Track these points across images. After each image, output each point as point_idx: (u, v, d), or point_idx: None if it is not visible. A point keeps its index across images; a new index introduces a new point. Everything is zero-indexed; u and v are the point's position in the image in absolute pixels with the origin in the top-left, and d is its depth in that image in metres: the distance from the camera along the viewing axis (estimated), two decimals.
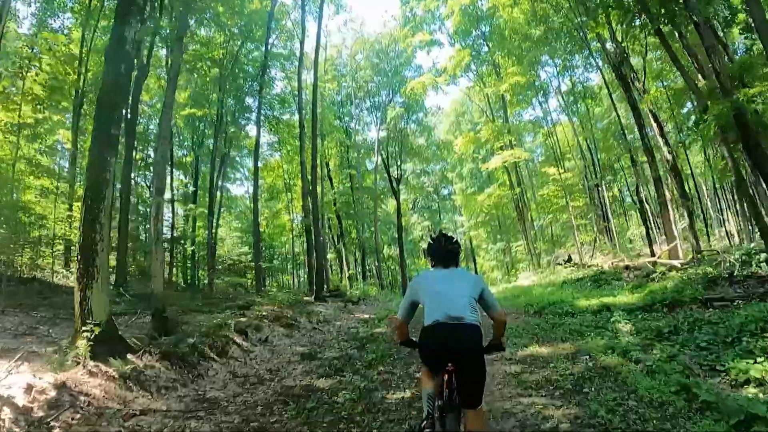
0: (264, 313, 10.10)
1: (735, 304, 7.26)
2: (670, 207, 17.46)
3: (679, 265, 12.21)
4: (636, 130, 19.26)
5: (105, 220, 5.89)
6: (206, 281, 23.05)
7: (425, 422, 2.33)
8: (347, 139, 34.48)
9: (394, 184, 32.92)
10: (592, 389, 4.46)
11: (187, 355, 6.10)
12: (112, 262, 13.24)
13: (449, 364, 2.56)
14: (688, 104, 21.21)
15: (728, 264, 9.77)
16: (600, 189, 24.80)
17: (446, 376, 2.58)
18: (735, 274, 8.89)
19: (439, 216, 46.40)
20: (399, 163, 34.04)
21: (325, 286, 17.96)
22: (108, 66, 6.46)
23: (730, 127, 8.88)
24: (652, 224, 23.58)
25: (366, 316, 13.07)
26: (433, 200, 46.74)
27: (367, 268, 35.84)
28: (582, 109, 27.41)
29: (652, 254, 18.15)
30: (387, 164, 33.76)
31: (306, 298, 14.49)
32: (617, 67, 16.98)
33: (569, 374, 5.04)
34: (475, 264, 44.08)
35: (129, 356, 5.37)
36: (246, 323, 8.75)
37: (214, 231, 23.43)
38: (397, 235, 32.22)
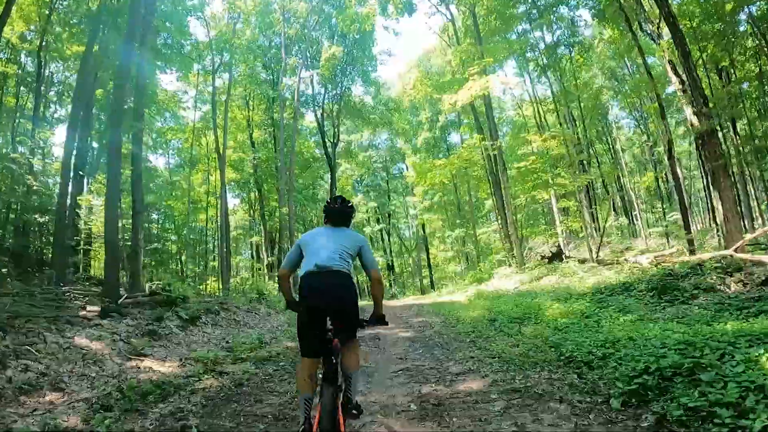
0: None
1: None
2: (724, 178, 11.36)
3: None
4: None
5: None
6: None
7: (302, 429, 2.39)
8: (272, 90, 26.55)
9: (329, 149, 25.48)
10: None
11: None
12: None
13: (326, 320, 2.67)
14: None
15: None
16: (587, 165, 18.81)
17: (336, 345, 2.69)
18: None
19: (389, 197, 39.52)
20: (336, 123, 26.59)
21: (148, 285, 10.39)
22: None
23: None
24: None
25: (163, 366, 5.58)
26: (381, 179, 39.78)
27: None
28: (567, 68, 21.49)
29: (691, 243, 12.15)
30: (321, 124, 26.24)
31: (87, 310, 6.83)
32: None
33: None
34: (428, 255, 37.67)
35: None
36: None
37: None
38: None
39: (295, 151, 22.86)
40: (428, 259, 37.53)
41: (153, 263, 32.20)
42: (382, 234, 39.96)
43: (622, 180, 30.80)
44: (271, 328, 8.35)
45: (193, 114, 28.99)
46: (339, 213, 2.96)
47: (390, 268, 39.94)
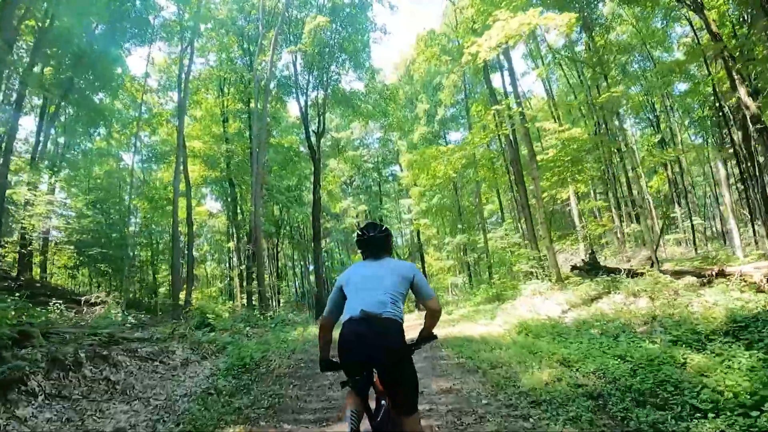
0: None
1: None
2: None
3: None
4: None
5: None
6: None
7: None
8: (247, 71, 23.07)
9: (312, 140, 21.97)
10: None
11: None
12: None
13: (372, 372, 2.32)
14: None
15: None
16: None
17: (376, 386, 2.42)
18: None
19: (380, 201, 36.02)
20: (322, 111, 23.11)
21: None
22: None
23: None
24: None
25: None
26: (373, 180, 36.36)
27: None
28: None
29: None
30: (305, 113, 22.75)
31: None
32: None
33: None
34: (423, 264, 34.12)
35: None
36: None
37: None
38: (311, 215, 21.32)
39: (266, 128, 19.20)
40: (423, 269, 33.93)
41: (110, 270, 28.21)
42: None
43: (632, 182, 27.81)
44: (169, 401, 4.64)
45: (160, 99, 25.54)
46: (375, 242, 2.62)
47: None
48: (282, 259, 41.30)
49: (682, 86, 21.18)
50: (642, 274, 10.52)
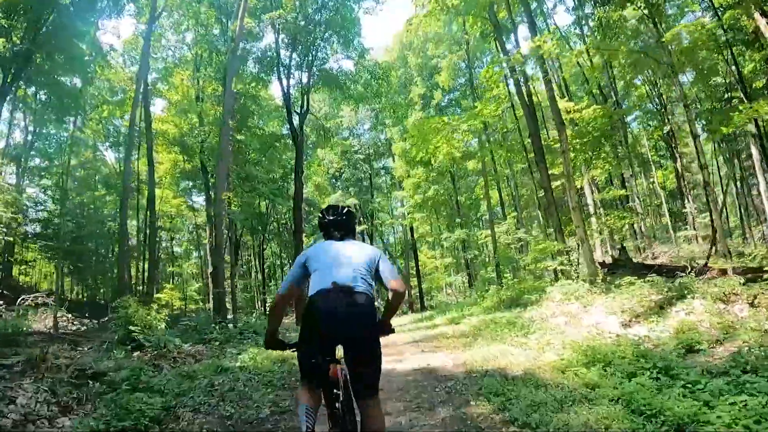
0: None
1: None
2: None
3: None
4: None
5: None
6: None
7: None
8: (222, 44, 20.56)
9: (295, 122, 19.47)
10: None
11: None
12: None
13: (334, 354, 2.17)
14: None
15: None
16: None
17: (337, 374, 2.09)
18: None
19: (372, 195, 33.57)
20: (305, 90, 20.64)
21: None
22: None
23: None
24: None
25: None
26: (363, 172, 33.90)
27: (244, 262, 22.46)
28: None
29: None
30: (286, 93, 20.27)
31: None
32: None
33: None
34: (417, 262, 31.70)
35: None
36: None
37: None
38: (292, 206, 18.84)
39: (236, 96, 16.64)
40: (417, 267, 31.51)
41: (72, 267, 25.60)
42: (363, 237, 33.92)
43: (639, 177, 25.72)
44: None
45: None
46: (338, 224, 2.54)
47: None
48: (271, 257, 38.72)
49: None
50: (704, 272, 8.22)
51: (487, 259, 24.16)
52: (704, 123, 18.58)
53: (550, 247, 10.11)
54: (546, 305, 8.28)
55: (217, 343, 7.67)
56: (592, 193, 17.52)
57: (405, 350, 7.33)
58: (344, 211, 2.60)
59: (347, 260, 2.29)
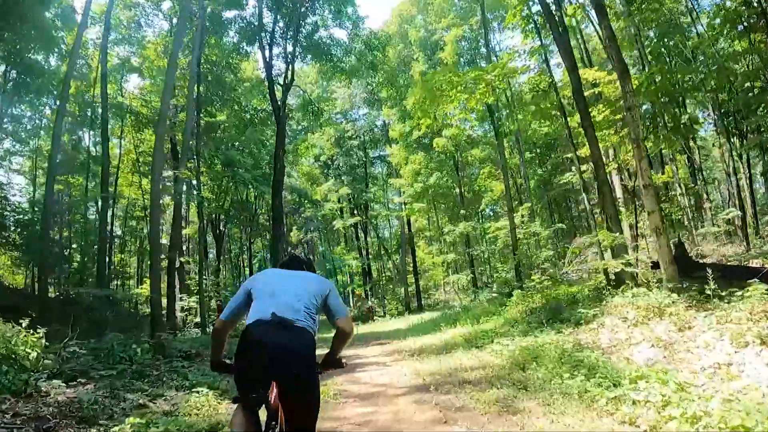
0: None
1: None
2: None
3: None
4: None
5: None
6: None
7: None
8: None
9: (277, 95, 16.81)
10: None
11: None
12: None
13: (270, 388, 1.98)
14: None
15: None
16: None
17: (272, 399, 1.99)
18: None
19: (366, 184, 30.94)
20: (290, 60, 17.97)
21: None
22: None
23: None
24: None
25: None
26: (358, 160, 31.30)
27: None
28: None
29: None
30: (268, 61, 17.61)
31: None
32: None
33: None
34: (414, 258, 29.16)
35: None
36: None
37: None
38: (271, 189, 16.25)
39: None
40: (414, 263, 28.99)
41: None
42: (357, 230, 31.34)
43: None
44: None
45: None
46: (295, 262, 2.41)
47: (366, 273, 31.30)
48: (262, 251, 35.98)
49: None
50: None
51: (495, 256, 21.67)
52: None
53: (608, 239, 7.56)
54: (611, 323, 5.76)
55: (128, 378, 5.07)
56: (621, 181, 15.09)
57: (407, 413, 4.49)
58: (306, 258, 2.49)
59: (293, 291, 2.12)
